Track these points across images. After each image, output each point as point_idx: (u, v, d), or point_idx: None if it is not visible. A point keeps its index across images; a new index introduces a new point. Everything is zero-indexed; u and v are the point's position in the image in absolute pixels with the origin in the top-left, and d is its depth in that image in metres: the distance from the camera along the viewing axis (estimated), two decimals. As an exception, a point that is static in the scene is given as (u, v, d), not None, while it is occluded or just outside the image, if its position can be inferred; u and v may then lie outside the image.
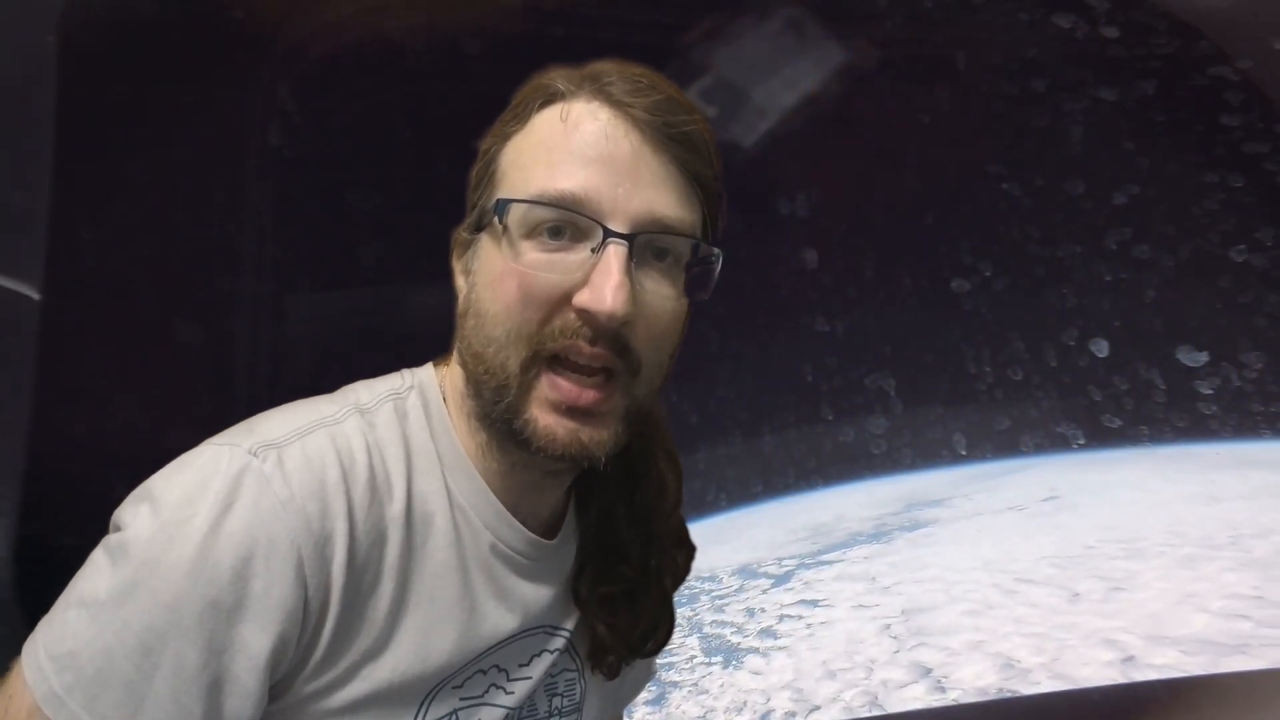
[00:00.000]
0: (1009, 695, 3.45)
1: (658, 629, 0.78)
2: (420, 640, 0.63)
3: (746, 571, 6.03)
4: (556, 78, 0.65)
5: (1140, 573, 4.77)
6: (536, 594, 0.71)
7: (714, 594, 5.57)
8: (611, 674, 0.77)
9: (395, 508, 0.63)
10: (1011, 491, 7.21)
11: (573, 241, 0.61)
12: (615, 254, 0.59)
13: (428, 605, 0.64)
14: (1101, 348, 7.12)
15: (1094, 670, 3.60)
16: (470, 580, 0.67)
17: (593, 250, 0.60)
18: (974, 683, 3.69)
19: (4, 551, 1.61)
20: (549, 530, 0.73)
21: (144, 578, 0.54)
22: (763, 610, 5.25)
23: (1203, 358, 6.64)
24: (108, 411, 2.07)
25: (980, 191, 7.03)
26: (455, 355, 0.69)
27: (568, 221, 0.61)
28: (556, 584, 0.73)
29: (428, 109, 3.03)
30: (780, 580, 5.80)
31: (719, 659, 4.55)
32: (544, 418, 0.61)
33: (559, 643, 0.73)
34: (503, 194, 0.63)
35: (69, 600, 0.57)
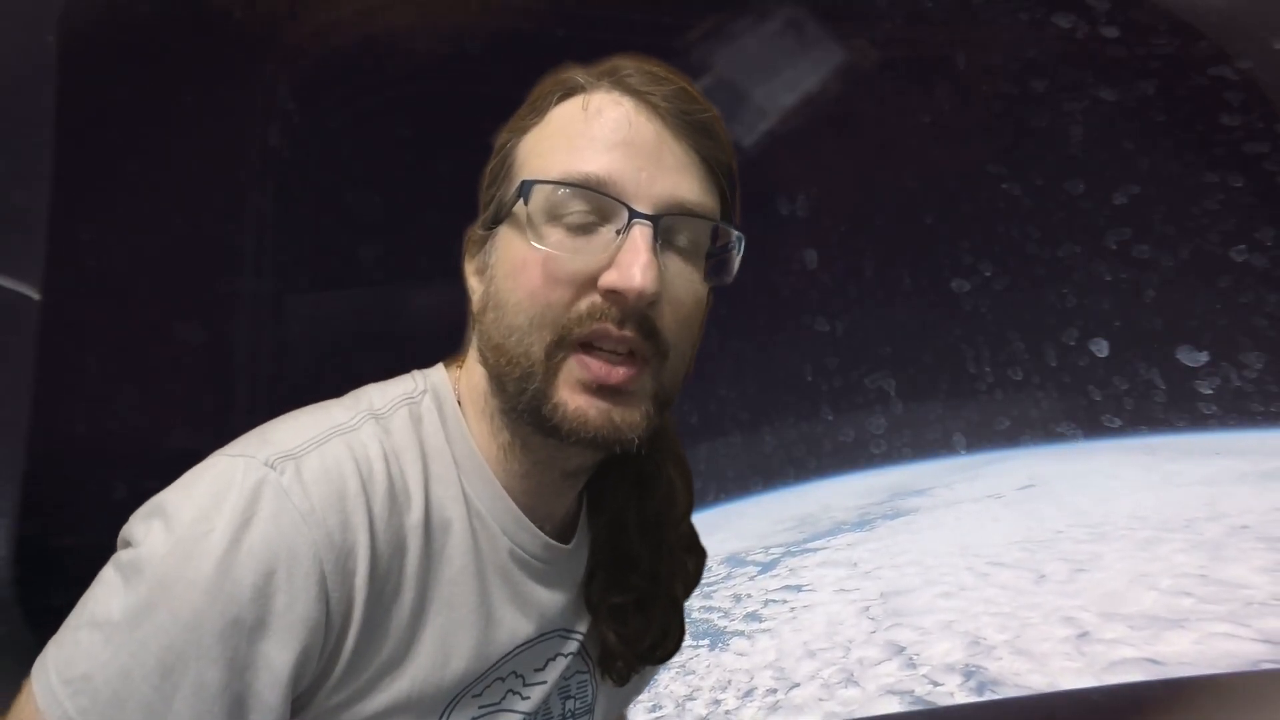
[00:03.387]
0: (985, 687, 3.58)
1: (667, 638, 0.77)
2: (439, 649, 0.62)
3: (735, 560, 6.19)
4: (574, 73, 0.65)
5: (1102, 555, 5.03)
6: (552, 598, 0.70)
7: (703, 581, 5.69)
8: (621, 681, 0.76)
9: (414, 516, 0.62)
10: (992, 481, 7.43)
11: (597, 225, 0.60)
12: (641, 234, 0.59)
13: (446, 613, 0.63)
14: (1101, 348, 7.13)
15: (1051, 646, 3.79)
16: (487, 586, 0.66)
17: (617, 232, 0.59)
18: (943, 659, 3.87)
19: (4, 551, 1.61)
20: (563, 534, 0.71)
21: (161, 597, 0.52)
22: (749, 596, 5.40)
23: (1203, 358, 6.65)
24: (108, 411, 2.07)
25: (980, 191, 7.04)
26: (472, 355, 0.68)
27: (592, 204, 0.60)
28: (571, 588, 0.72)
29: (428, 109, 3.03)
30: (767, 567, 5.96)
31: (706, 641, 4.68)
32: (574, 399, 0.60)
33: (573, 646, 0.73)
34: (526, 178, 0.63)
35: (80, 620, 0.54)
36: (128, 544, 0.56)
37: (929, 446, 8.20)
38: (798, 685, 3.91)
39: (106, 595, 0.54)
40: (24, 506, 1.67)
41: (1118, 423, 7.53)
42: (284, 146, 2.52)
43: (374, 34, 2.73)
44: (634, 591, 0.74)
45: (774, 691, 3.92)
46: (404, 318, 2.65)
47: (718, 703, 3.94)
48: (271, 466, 0.56)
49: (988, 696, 3.49)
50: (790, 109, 3.78)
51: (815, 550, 6.21)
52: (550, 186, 0.60)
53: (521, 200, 0.61)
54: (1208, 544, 4.80)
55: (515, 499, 0.67)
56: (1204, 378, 6.70)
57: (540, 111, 0.65)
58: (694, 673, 4.26)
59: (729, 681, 4.12)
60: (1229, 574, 4.25)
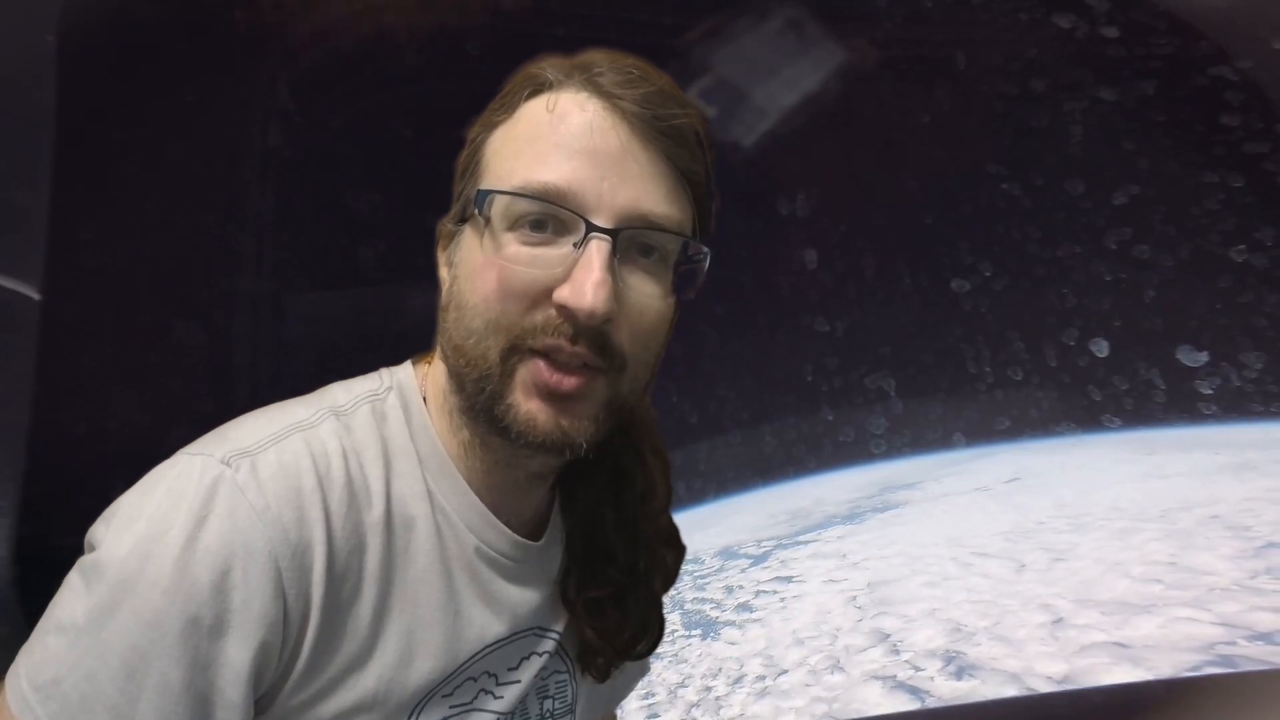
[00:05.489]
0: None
1: (647, 631, 0.77)
2: (404, 647, 0.62)
3: (728, 553, 6.31)
4: (546, 67, 0.63)
5: (1080, 544, 5.23)
6: (523, 596, 0.69)
7: (696, 574, 5.88)
8: (601, 676, 0.76)
9: (374, 513, 0.61)
10: (981, 474, 7.58)
11: (555, 235, 0.59)
12: (598, 250, 0.58)
13: (411, 611, 0.63)
14: (1101, 347, 7.13)
15: (1027, 632, 3.96)
16: (454, 584, 0.65)
17: (575, 245, 0.58)
18: (925, 645, 4.03)
19: (4, 551, 1.61)
20: (533, 531, 0.71)
21: (122, 598, 0.52)
22: (741, 587, 5.53)
23: (1203, 357, 6.65)
24: (108, 411, 2.07)
25: (980, 191, 7.03)
26: (438, 351, 0.67)
27: (550, 215, 0.59)
28: (544, 585, 0.71)
29: (428, 109, 3.03)
30: (759, 560, 6.08)
31: (698, 631, 4.80)
32: (525, 403, 0.60)
33: (549, 645, 0.72)
34: (486, 185, 0.61)
35: (47, 626, 0.55)
36: (91, 547, 0.56)
37: (928, 447, 8.22)
38: (786, 672, 4.05)
39: (71, 599, 0.55)
40: (24, 506, 1.67)
41: (1117, 423, 7.55)
42: (284, 146, 2.51)
43: (374, 34, 2.73)
44: (611, 585, 0.73)
45: (763, 678, 4.04)
46: (404, 318, 2.64)
47: (709, 689, 4.04)
48: (227, 464, 0.56)
49: (967, 681, 3.58)
50: (790, 109, 3.78)
51: (806, 543, 6.35)
52: (508, 197, 0.59)
53: (479, 209, 0.61)
54: (1179, 533, 5.00)
55: (481, 496, 0.66)
56: (1204, 377, 6.70)
57: (509, 108, 0.63)
58: (686, 661, 4.38)
59: (720, 669, 4.24)
60: (1197, 562, 4.44)
